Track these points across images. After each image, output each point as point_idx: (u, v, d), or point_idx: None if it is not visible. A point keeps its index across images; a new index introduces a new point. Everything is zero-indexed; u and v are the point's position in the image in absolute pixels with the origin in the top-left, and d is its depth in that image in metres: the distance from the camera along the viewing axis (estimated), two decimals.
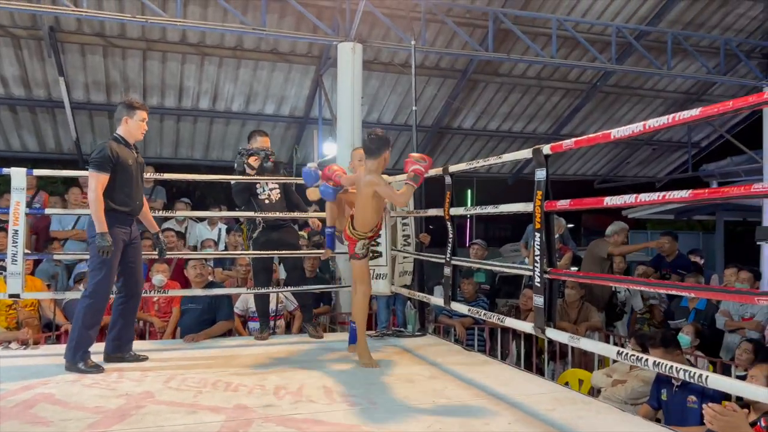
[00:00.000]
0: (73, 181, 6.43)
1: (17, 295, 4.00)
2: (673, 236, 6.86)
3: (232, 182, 4.66)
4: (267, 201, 4.68)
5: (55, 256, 5.35)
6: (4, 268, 4.18)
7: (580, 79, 10.18)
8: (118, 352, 3.80)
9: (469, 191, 17.59)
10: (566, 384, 4.54)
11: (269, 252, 4.68)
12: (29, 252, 4.59)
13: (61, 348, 4.31)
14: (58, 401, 2.94)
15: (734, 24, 9.42)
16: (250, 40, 8.26)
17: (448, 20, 7.89)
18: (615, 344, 5.34)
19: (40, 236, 6.21)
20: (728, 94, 11.06)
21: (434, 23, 8.27)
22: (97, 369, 3.53)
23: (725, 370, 4.27)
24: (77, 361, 3.52)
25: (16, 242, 4.03)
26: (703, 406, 2.27)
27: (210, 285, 4.94)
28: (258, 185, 4.68)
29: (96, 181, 3.58)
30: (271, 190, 4.72)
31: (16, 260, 4.03)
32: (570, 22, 8.39)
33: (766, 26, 9.32)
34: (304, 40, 8.00)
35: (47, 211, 5.39)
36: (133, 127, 3.77)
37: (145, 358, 3.85)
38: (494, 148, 11.50)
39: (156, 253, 4.13)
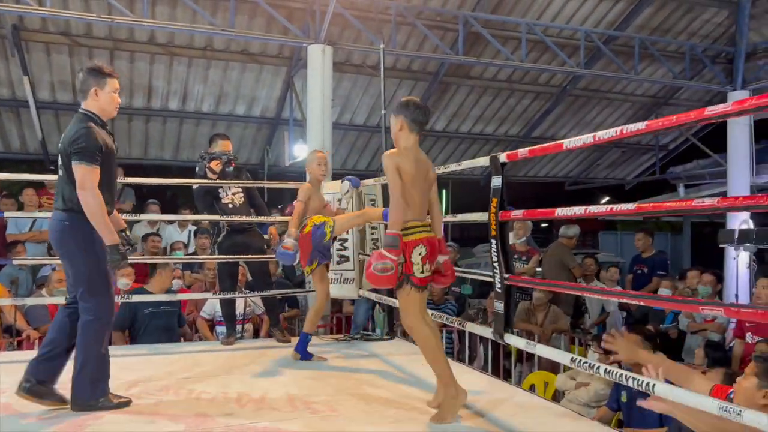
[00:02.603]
0: (30, 183, 6.24)
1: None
2: (648, 233, 7.00)
3: (194, 187, 4.61)
4: (230, 205, 4.64)
5: (15, 261, 5.23)
6: None
7: (551, 82, 10.30)
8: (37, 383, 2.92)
9: (444, 191, 17.72)
10: (531, 387, 4.60)
11: (233, 257, 4.63)
12: None
13: (23, 354, 4.23)
14: (16, 411, 2.88)
15: (700, 30, 9.62)
16: (219, 40, 8.19)
17: (419, 23, 7.93)
18: (580, 345, 5.42)
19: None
20: (694, 99, 11.30)
21: (405, 26, 8.29)
22: (126, 404, 2.95)
23: None
24: (98, 396, 2.88)
25: None
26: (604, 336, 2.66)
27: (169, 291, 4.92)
28: (221, 189, 4.63)
29: (91, 176, 2.82)
30: (234, 194, 4.67)
31: None
32: (539, 27, 8.48)
33: (731, 32, 9.53)
34: (273, 42, 7.96)
35: (6, 214, 5.28)
36: (104, 100, 2.97)
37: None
38: (466, 150, 11.59)
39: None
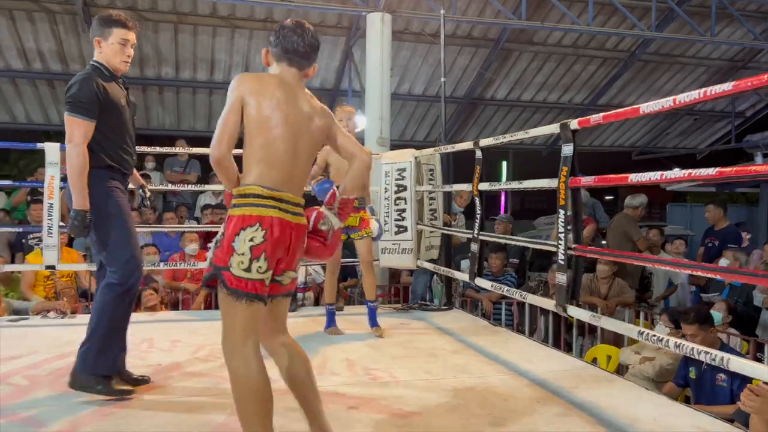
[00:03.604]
0: None
1: (53, 267, 4.14)
2: (719, 205, 6.67)
3: None
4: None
5: None
6: (41, 240, 4.32)
7: (619, 47, 9.85)
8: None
9: (504, 163, 17.39)
10: (594, 360, 4.49)
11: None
12: (64, 225, 4.73)
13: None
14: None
15: None
16: (280, 11, 8.21)
17: None
18: (646, 320, 5.25)
19: None
20: None
21: None
22: (124, 393, 2.60)
23: (759, 349, 4.16)
24: (98, 372, 2.57)
25: (52, 215, 4.15)
26: (745, 388, 2.22)
27: None
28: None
29: (80, 129, 2.55)
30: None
31: (51, 233, 4.15)
32: None
33: None
34: (332, 11, 7.92)
35: None
36: (109, 52, 2.69)
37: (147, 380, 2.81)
38: (528, 119, 11.30)
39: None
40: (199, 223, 6.45)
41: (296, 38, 2.01)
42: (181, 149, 5.73)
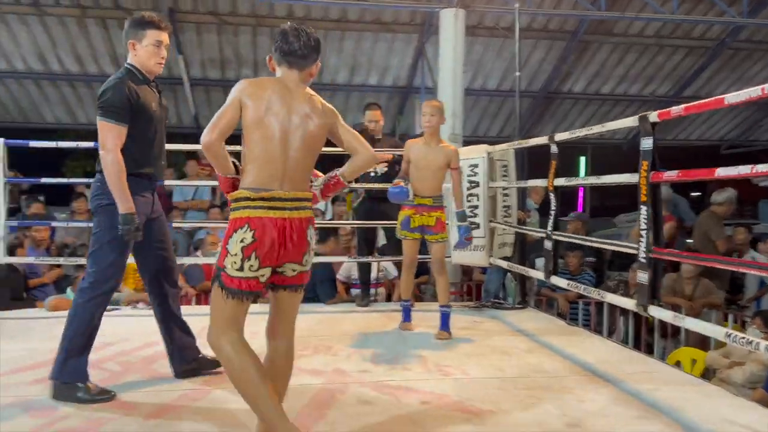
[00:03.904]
0: (191, 154, 6.87)
1: None
2: None
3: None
4: (372, 173, 4.78)
5: (175, 224, 5.75)
6: None
7: (706, 35, 9.33)
8: (189, 363, 2.88)
9: (582, 158, 16.85)
10: (677, 364, 4.30)
11: (368, 222, 4.79)
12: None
13: (183, 309, 4.69)
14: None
15: None
16: (353, 11, 8.33)
17: None
18: (735, 323, 4.98)
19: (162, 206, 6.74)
20: None
21: None
22: (104, 395, 2.56)
23: None
24: (73, 380, 2.53)
25: None
26: None
27: None
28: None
29: (112, 134, 2.55)
30: (378, 163, 4.80)
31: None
32: None
33: None
34: (406, 9, 7.95)
35: (166, 182, 5.80)
36: (143, 55, 2.67)
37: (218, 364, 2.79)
38: (608, 113, 10.91)
39: None
40: None
41: (293, 41, 2.08)
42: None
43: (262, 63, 9.15)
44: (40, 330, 3.83)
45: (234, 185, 2.02)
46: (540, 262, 5.45)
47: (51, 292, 4.90)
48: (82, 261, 3.89)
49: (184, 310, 3.92)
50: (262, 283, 1.97)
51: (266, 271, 1.96)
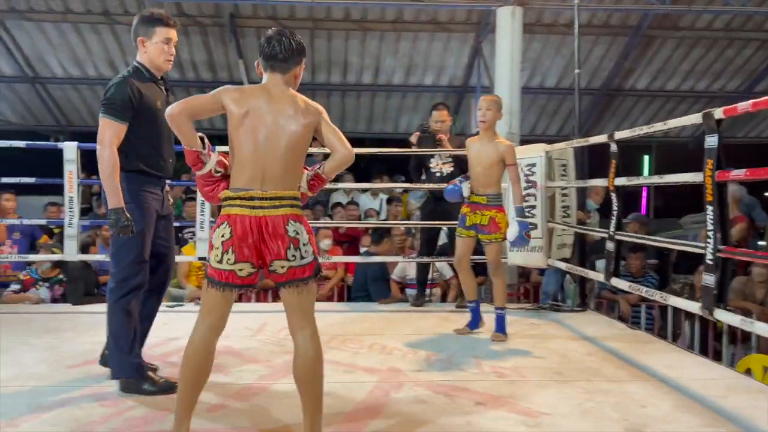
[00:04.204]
0: None
1: (205, 258, 4.53)
2: None
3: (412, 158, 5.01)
4: (438, 174, 4.80)
5: None
6: (195, 234, 4.75)
7: None
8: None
9: (646, 157, 16.29)
10: (747, 371, 4.10)
11: (426, 222, 4.81)
12: (214, 220, 5.14)
13: (245, 306, 4.84)
14: (237, 353, 3.31)
15: None
16: (409, 11, 8.33)
17: None
18: None
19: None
20: None
21: None
22: (168, 386, 2.63)
23: None
24: (131, 375, 2.66)
25: (204, 211, 4.57)
26: None
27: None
28: (432, 158, 4.82)
29: (111, 131, 2.58)
30: (443, 163, 4.82)
31: (203, 227, 4.56)
32: None
33: None
34: (462, 8, 7.91)
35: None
36: (153, 52, 2.71)
37: (156, 368, 2.91)
38: (673, 110, 10.49)
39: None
40: (332, 221, 6.73)
41: (275, 45, 2.16)
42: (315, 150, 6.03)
43: (319, 66, 9.32)
44: None
45: (199, 159, 2.10)
46: (600, 263, 5.32)
47: None
48: None
49: (244, 307, 4.05)
50: (240, 278, 2.07)
51: (244, 266, 2.06)
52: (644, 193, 17.41)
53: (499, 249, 3.75)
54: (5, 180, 4.74)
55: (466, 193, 3.71)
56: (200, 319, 2.11)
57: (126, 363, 2.66)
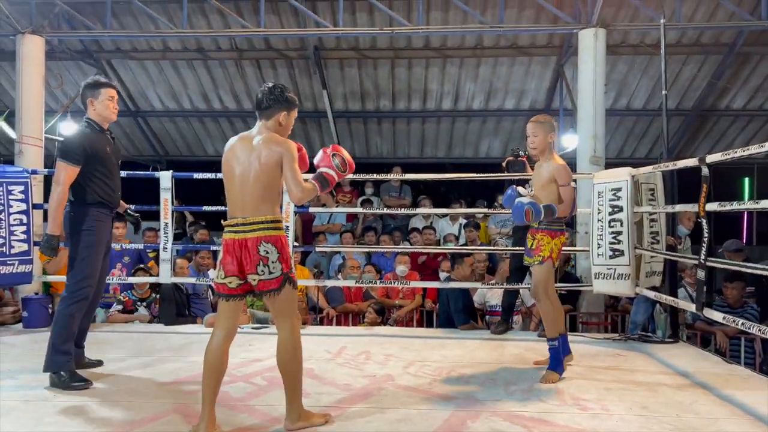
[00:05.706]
0: None
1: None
2: None
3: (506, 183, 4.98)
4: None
5: (317, 248, 6.06)
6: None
7: None
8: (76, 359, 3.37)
9: (746, 180, 15.31)
10: None
11: (497, 248, 4.74)
12: (297, 245, 5.27)
13: (325, 329, 4.94)
14: (316, 376, 3.38)
15: None
16: (489, 37, 8.35)
17: None
18: None
19: (306, 230, 7.17)
20: None
21: None
22: (81, 380, 3.16)
23: None
24: (57, 369, 3.17)
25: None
26: None
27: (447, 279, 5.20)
28: (527, 184, 4.76)
29: (65, 173, 3.24)
30: (532, 188, 4.74)
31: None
32: None
33: None
34: (542, 32, 7.84)
35: (311, 209, 6.14)
36: (100, 108, 3.39)
37: (100, 363, 3.56)
38: None
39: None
40: (410, 246, 6.76)
41: (261, 95, 2.61)
42: (395, 176, 6.13)
43: (400, 94, 9.48)
44: (199, 345, 4.21)
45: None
46: (682, 293, 5.05)
47: (209, 310, 5.36)
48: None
49: (323, 330, 4.15)
50: (231, 289, 2.53)
51: (232, 279, 2.51)
52: (744, 218, 16.32)
53: (541, 271, 3.46)
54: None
55: (525, 199, 3.42)
56: (216, 327, 2.56)
57: (58, 358, 3.18)
